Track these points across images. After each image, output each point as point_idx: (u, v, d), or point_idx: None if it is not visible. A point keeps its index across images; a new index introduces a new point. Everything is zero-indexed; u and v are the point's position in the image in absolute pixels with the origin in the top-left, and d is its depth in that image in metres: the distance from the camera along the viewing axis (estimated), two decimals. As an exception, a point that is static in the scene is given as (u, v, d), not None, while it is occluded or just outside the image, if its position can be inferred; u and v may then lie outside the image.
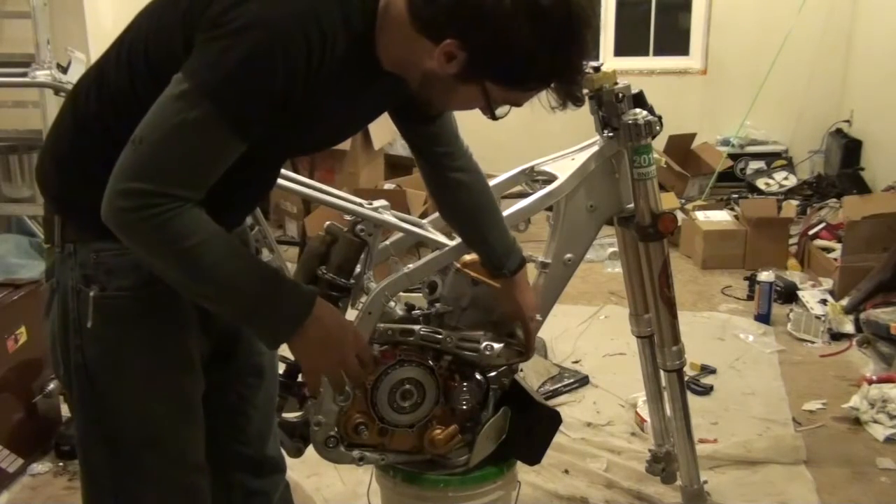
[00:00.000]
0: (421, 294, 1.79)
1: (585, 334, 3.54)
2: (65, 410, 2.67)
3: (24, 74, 3.66)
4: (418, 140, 1.57)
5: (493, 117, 1.24)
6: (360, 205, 1.71)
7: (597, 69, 1.87)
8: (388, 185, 4.67)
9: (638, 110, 1.84)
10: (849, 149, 5.27)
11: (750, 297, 3.87)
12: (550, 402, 2.64)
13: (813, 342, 3.43)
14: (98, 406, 1.31)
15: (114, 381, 1.30)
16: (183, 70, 1.11)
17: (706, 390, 3.01)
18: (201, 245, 1.13)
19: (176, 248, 1.13)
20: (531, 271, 1.87)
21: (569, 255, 1.84)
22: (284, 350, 1.33)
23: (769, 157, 5.62)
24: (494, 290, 1.72)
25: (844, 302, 3.59)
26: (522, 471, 2.01)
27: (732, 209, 4.79)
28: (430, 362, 1.70)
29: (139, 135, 1.10)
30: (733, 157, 5.49)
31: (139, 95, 1.16)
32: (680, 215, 4.56)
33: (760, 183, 5.47)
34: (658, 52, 6.00)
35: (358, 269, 1.61)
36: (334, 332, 1.30)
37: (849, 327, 3.47)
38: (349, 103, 1.29)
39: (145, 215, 1.10)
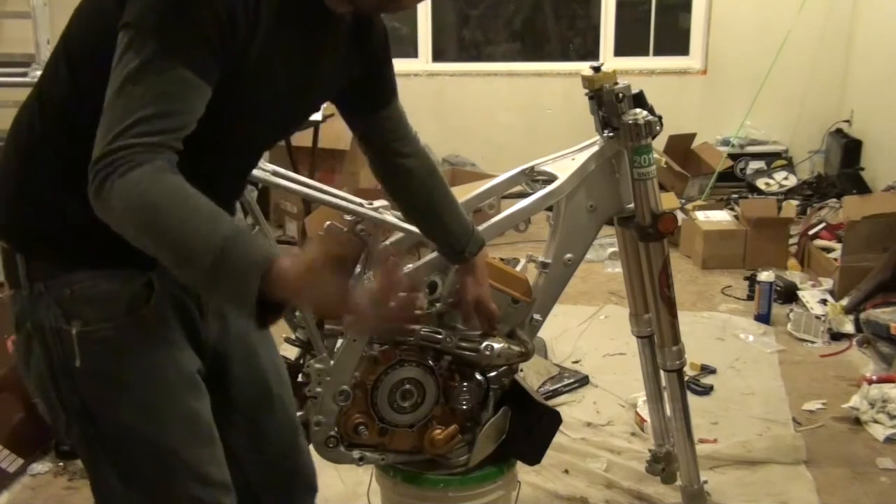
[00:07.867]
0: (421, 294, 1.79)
1: (585, 334, 3.53)
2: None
3: (24, 74, 3.66)
4: (370, 131, 1.54)
5: None
6: (360, 205, 1.71)
7: (597, 69, 1.87)
8: (388, 185, 4.66)
9: (638, 110, 1.83)
10: (849, 149, 5.26)
11: (750, 297, 3.86)
12: (550, 402, 2.63)
13: (813, 342, 3.42)
14: (105, 444, 1.26)
15: (116, 414, 1.24)
16: (121, 25, 1.08)
17: (706, 390, 3.01)
18: (151, 193, 1.02)
19: (130, 200, 1.02)
20: (531, 271, 1.87)
21: (569, 255, 1.84)
22: (284, 350, 1.32)
23: (769, 157, 5.61)
24: (495, 290, 1.73)
25: (844, 302, 3.59)
26: (522, 471, 2.01)
27: (732, 209, 4.78)
28: (430, 362, 1.70)
29: (106, 103, 1.06)
30: (733, 157, 5.48)
31: (82, 96, 1.11)
32: (680, 215, 4.55)
33: (760, 183, 5.46)
34: (658, 52, 5.99)
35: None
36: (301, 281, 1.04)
37: (849, 327, 3.46)
38: (305, 63, 1.26)
39: (108, 173, 1.02)
